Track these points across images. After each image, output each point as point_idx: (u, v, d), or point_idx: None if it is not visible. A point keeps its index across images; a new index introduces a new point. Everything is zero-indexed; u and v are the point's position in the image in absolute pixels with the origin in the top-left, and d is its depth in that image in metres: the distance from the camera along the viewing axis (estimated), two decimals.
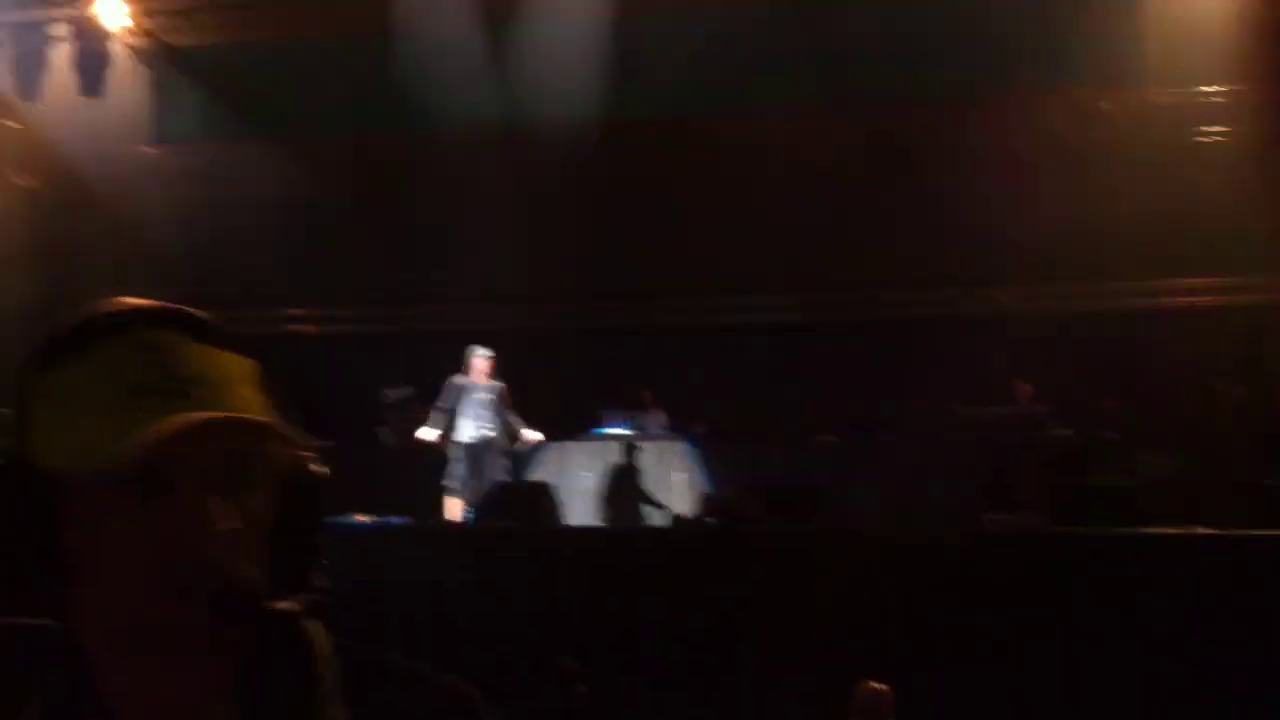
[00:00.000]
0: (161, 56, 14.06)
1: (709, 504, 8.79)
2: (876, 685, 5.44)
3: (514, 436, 10.16)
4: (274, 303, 13.90)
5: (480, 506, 9.09)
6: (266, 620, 0.94)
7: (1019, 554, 7.91)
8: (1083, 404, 11.07)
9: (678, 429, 12.21)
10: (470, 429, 9.95)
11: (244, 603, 0.93)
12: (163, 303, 1.04)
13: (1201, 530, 8.12)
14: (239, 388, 1.00)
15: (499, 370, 10.25)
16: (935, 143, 12.88)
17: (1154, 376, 11.37)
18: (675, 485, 10.88)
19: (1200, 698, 6.65)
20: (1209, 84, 12.35)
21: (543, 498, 9.04)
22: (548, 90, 12.51)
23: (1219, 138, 12.42)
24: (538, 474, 10.97)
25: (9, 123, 13.50)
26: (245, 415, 0.96)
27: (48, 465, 0.95)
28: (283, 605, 0.95)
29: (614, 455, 11.00)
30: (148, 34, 13.74)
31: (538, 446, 10.89)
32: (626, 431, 11.90)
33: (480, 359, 10.11)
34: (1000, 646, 7.08)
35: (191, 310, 1.05)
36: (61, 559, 0.95)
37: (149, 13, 13.47)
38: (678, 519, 8.87)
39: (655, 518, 10.14)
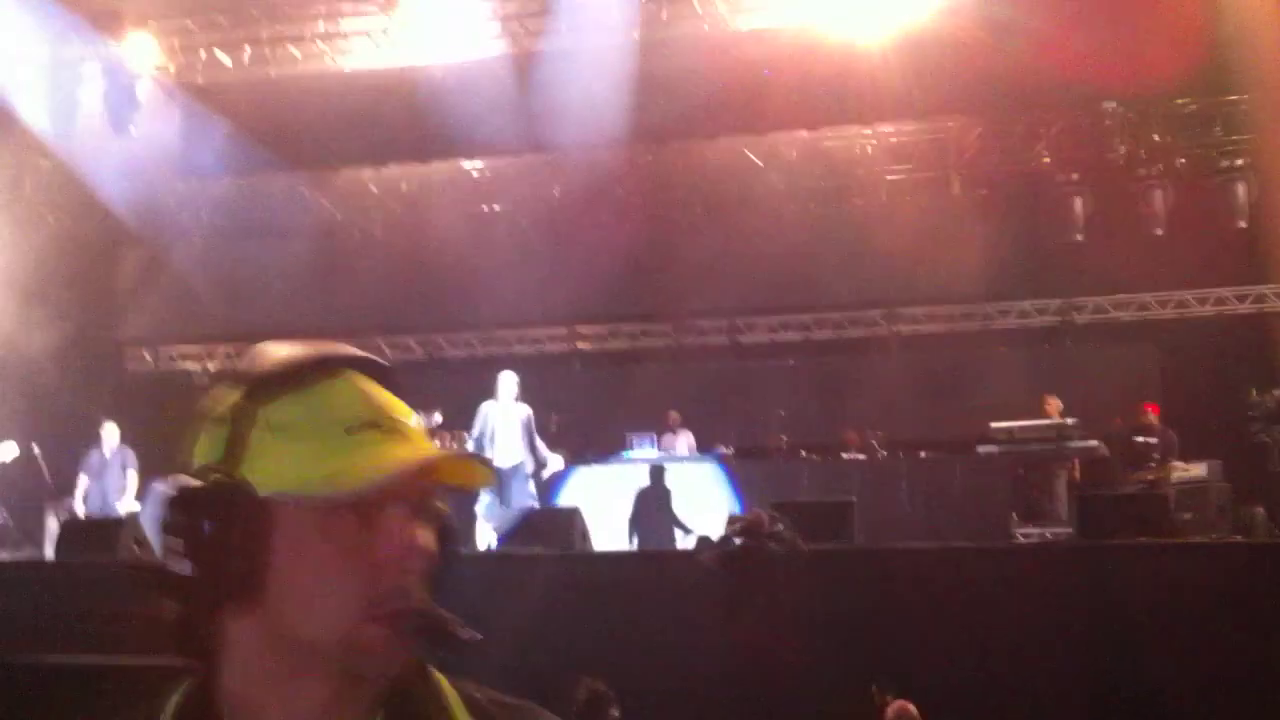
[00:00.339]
0: (190, 92, 14.18)
1: (738, 524, 8.74)
2: (904, 704, 5.40)
3: (541, 462, 10.15)
4: (302, 332, 13.98)
5: (508, 532, 9.08)
6: (451, 645, 1.05)
7: (1050, 566, 7.84)
8: (1114, 416, 10.99)
9: (705, 450, 12.21)
10: (498, 454, 9.94)
11: (435, 626, 1.04)
12: (359, 351, 1.14)
13: (1235, 539, 8.04)
14: (419, 429, 1.11)
15: (524, 395, 10.27)
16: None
17: (1187, 387, 11.29)
18: (704, 507, 10.86)
19: (1233, 706, 6.57)
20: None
21: (572, 522, 9.01)
22: (573, 116, 12.51)
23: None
24: (566, 499, 10.98)
25: (41, 160, 13.67)
26: (461, 456, 1.10)
27: (261, 488, 1.03)
28: (465, 632, 1.05)
29: (642, 478, 10.98)
30: (176, 70, 13.89)
31: (565, 470, 10.90)
32: (653, 454, 11.90)
33: (508, 384, 10.12)
34: (1032, 659, 7.01)
35: (382, 360, 1.15)
36: (261, 575, 1.02)
37: (177, 49, 13.62)
38: (706, 540, 8.82)
39: (684, 540, 10.11)
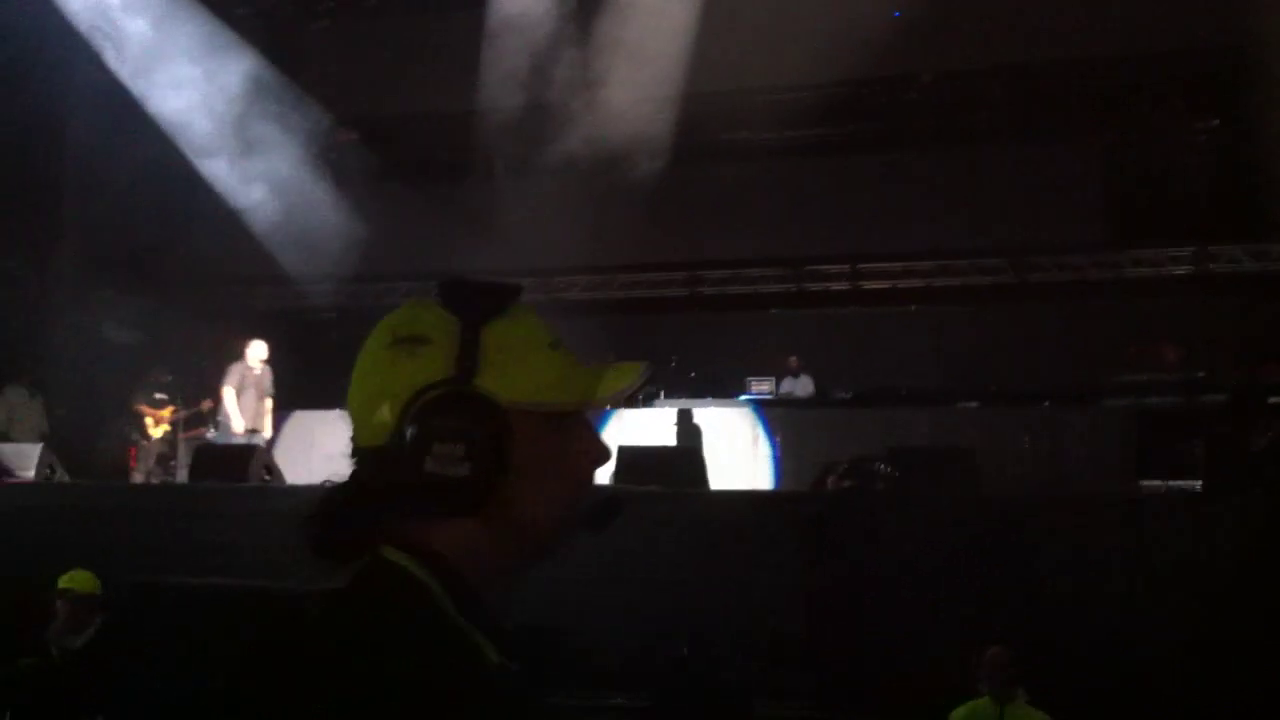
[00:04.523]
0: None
1: (841, 468, 8.74)
2: (999, 648, 5.39)
3: None
4: (349, 279, 14.06)
5: (620, 470, 9.20)
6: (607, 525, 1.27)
7: (1176, 519, 7.68)
8: (1241, 368, 10.67)
9: (824, 394, 12.19)
10: None
11: (616, 510, 1.27)
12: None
13: None
14: None
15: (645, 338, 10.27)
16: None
17: None
18: (817, 449, 10.88)
19: None
20: None
21: (690, 461, 9.09)
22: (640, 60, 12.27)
23: None
24: (683, 439, 11.08)
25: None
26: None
27: (497, 397, 1.19)
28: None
29: (758, 419, 11.04)
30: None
31: (685, 411, 11.02)
32: (771, 396, 11.95)
33: None
34: (1157, 613, 6.92)
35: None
36: (507, 474, 1.19)
37: None
38: (816, 483, 8.86)
39: (794, 481, 10.15)
